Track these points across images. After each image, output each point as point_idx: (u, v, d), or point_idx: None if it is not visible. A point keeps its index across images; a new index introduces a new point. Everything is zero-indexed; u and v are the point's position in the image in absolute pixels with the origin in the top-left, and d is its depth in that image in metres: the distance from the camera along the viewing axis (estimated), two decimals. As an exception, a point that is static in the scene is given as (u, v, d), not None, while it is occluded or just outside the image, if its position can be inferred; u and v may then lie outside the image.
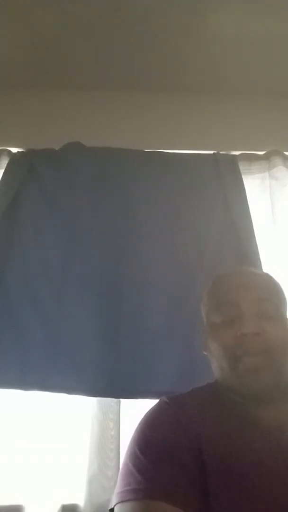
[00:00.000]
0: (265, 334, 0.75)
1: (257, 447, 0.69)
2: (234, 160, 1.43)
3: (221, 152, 1.45)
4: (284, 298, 0.86)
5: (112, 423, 1.16)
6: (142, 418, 0.78)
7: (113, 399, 1.17)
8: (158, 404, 0.81)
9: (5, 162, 1.40)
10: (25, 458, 1.13)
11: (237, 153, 1.46)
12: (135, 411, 1.10)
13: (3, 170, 1.39)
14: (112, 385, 1.14)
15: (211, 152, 1.45)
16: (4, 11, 1.29)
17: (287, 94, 1.57)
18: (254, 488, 0.64)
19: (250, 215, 1.32)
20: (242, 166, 1.42)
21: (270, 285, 0.85)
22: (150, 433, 0.73)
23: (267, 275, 0.89)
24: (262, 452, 0.69)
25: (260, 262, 1.24)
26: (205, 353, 0.87)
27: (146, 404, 0.84)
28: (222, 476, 0.66)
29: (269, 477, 0.66)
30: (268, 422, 0.73)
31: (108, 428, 1.15)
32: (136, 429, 0.76)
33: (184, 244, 1.29)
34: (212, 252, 1.28)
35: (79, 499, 1.10)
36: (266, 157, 1.45)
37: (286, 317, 0.83)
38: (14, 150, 1.44)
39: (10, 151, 1.43)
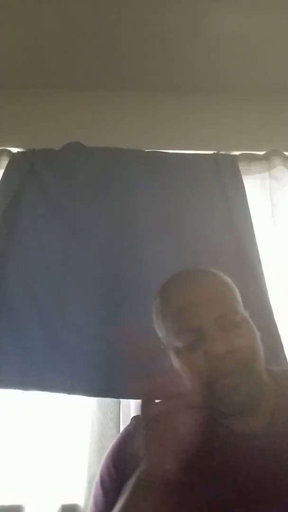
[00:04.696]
0: (236, 351, 0.70)
1: (221, 462, 0.69)
2: (234, 160, 1.43)
3: (221, 152, 1.45)
4: (238, 293, 0.80)
5: (112, 423, 1.16)
6: (110, 448, 0.81)
7: (113, 399, 1.17)
8: (125, 432, 0.81)
9: (5, 162, 1.40)
10: (25, 458, 1.14)
11: (237, 153, 1.46)
12: (135, 411, 1.10)
13: (3, 170, 1.39)
14: (112, 385, 1.14)
15: (211, 152, 1.44)
16: (4, 11, 1.29)
17: (287, 94, 1.57)
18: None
19: (250, 215, 1.32)
20: (242, 166, 1.42)
21: (226, 290, 0.77)
22: (109, 471, 0.76)
23: (217, 277, 0.80)
24: (232, 460, 0.68)
25: (260, 262, 1.24)
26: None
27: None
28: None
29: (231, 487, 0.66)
30: (237, 431, 0.72)
31: (108, 428, 1.15)
32: (105, 457, 0.80)
33: (184, 244, 1.29)
34: (212, 252, 1.28)
35: (79, 499, 1.10)
36: (266, 157, 1.44)
37: (247, 316, 0.76)
38: (14, 150, 1.44)
39: (10, 151, 1.43)
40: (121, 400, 1.18)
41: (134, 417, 0.84)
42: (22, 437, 1.16)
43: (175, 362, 0.76)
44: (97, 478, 0.80)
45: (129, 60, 1.45)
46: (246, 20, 1.33)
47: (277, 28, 1.35)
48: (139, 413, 0.81)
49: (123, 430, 0.83)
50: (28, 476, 1.12)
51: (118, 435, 0.83)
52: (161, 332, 0.81)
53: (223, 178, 1.38)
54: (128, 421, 0.85)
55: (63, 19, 1.32)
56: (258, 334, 0.75)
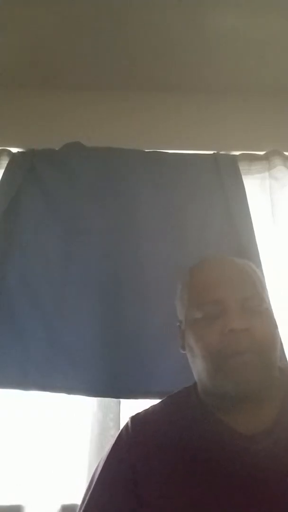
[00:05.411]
0: (254, 331, 0.70)
1: (225, 461, 0.68)
2: (234, 160, 1.43)
3: (221, 152, 1.45)
4: (266, 286, 0.81)
5: (112, 423, 1.16)
6: (107, 449, 0.81)
7: (113, 399, 1.17)
8: (120, 434, 0.81)
9: (5, 162, 1.40)
10: (25, 458, 1.14)
11: (237, 153, 1.46)
12: (135, 411, 1.10)
13: (3, 170, 1.39)
14: (112, 385, 1.14)
15: (211, 152, 1.44)
16: (4, 11, 1.29)
17: (287, 94, 1.57)
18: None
19: (250, 215, 1.32)
20: (242, 166, 1.42)
21: (254, 277, 0.78)
22: (101, 477, 0.76)
23: (248, 265, 0.81)
24: (230, 468, 0.67)
25: (260, 262, 1.24)
26: (183, 352, 0.82)
27: (146, 404, 0.84)
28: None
29: (234, 496, 0.65)
30: (240, 432, 0.70)
31: (108, 428, 1.15)
32: (101, 459, 0.80)
33: (184, 244, 1.29)
34: (212, 252, 1.28)
35: (79, 499, 1.09)
36: (266, 157, 1.44)
37: (271, 310, 0.78)
38: (14, 150, 1.44)
39: (10, 151, 1.43)
40: (121, 400, 1.18)
41: (130, 417, 0.83)
42: (22, 437, 1.16)
43: (189, 337, 0.76)
44: (89, 482, 0.79)
45: (129, 60, 1.45)
46: (246, 20, 1.33)
47: (277, 28, 1.35)
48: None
49: (117, 436, 0.82)
50: (28, 476, 1.12)
51: (112, 441, 0.82)
52: (182, 305, 0.81)
53: (223, 178, 1.38)
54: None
55: (63, 19, 1.32)
56: (277, 329, 0.75)
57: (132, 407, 1.15)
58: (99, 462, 0.80)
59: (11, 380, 1.15)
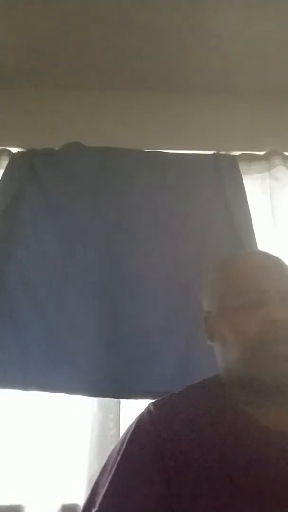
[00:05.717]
0: None
1: (254, 457, 0.65)
2: (234, 160, 1.43)
3: (221, 152, 1.45)
4: None
5: (112, 423, 1.16)
6: (125, 432, 0.75)
7: (113, 399, 1.17)
8: (141, 416, 0.75)
9: (5, 162, 1.40)
10: (25, 458, 1.14)
11: (237, 153, 1.46)
12: (135, 411, 1.10)
13: (3, 170, 1.39)
14: (112, 385, 1.14)
15: (211, 152, 1.44)
16: (4, 11, 1.29)
17: (287, 94, 1.57)
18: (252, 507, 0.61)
19: (250, 215, 1.32)
20: (242, 166, 1.42)
21: None
22: (125, 458, 0.69)
23: (282, 260, 0.82)
24: (258, 463, 0.64)
25: (260, 262, 1.24)
26: (211, 343, 0.80)
27: (146, 404, 0.84)
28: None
29: (269, 490, 0.62)
30: (271, 426, 0.68)
31: (108, 428, 1.15)
32: (118, 443, 0.74)
33: (184, 244, 1.29)
34: (212, 252, 1.28)
35: (79, 499, 1.10)
36: (266, 157, 1.44)
37: None
38: (14, 150, 1.44)
39: (10, 151, 1.43)
40: (121, 400, 1.18)
41: (151, 403, 0.78)
42: (22, 437, 1.16)
43: (223, 326, 0.75)
44: (108, 464, 0.72)
45: (129, 60, 1.45)
46: (246, 20, 1.33)
47: (277, 28, 1.35)
48: (138, 413, 0.79)
49: (139, 415, 0.77)
50: (28, 476, 1.12)
51: (135, 421, 0.76)
52: (214, 294, 0.80)
53: (223, 178, 1.38)
54: (128, 421, 0.83)
55: (63, 19, 1.32)
56: None
57: (132, 407, 1.15)
58: (115, 447, 0.74)
59: (11, 380, 1.15)
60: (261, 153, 1.46)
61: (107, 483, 0.68)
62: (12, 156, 1.41)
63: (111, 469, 0.70)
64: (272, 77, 1.52)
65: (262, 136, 1.51)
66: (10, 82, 1.52)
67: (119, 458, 0.70)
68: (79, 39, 1.38)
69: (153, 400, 0.78)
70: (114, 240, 1.29)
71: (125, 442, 0.71)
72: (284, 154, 1.44)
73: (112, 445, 1.11)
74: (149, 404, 0.77)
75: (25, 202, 1.35)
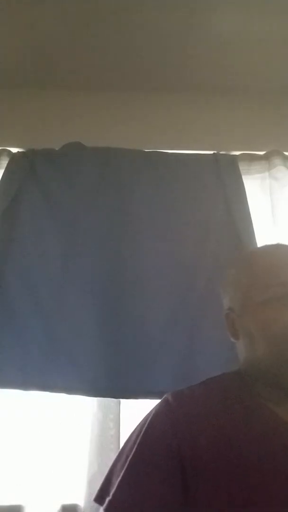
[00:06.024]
0: None
1: (273, 452, 0.64)
2: (234, 160, 1.43)
3: (221, 152, 1.45)
4: None
5: (112, 423, 1.16)
6: (141, 422, 0.74)
7: (113, 399, 1.17)
8: (159, 407, 0.74)
9: (5, 162, 1.40)
10: (25, 458, 1.14)
11: (237, 153, 1.46)
12: (135, 411, 1.10)
13: (3, 170, 1.39)
14: (112, 385, 1.14)
15: (211, 152, 1.44)
16: (4, 11, 1.29)
17: (287, 94, 1.57)
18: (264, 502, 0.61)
19: (250, 215, 1.32)
20: (242, 166, 1.42)
21: None
22: (141, 448, 0.69)
23: None
24: (277, 458, 0.64)
25: (260, 262, 1.24)
26: (234, 340, 0.79)
27: (146, 404, 0.84)
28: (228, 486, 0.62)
29: (281, 480, 0.62)
30: (286, 419, 0.68)
31: (108, 428, 1.15)
32: (135, 432, 0.73)
33: (184, 244, 1.29)
34: (212, 252, 1.28)
35: (79, 499, 1.10)
36: (266, 157, 1.44)
37: None
38: (14, 150, 1.44)
39: (10, 151, 1.43)
40: (121, 400, 1.18)
41: (169, 393, 0.77)
42: (22, 437, 1.16)
43: (248, 321, 0.74)
44: (125, 452, 0.71)
45: (129, 60, 1.45)
46: (246, 20, 1.33)
47: (277, 28, 1.35)
48: (139, 413, 0.79)
49: (157, 406, 0.76)
50: (28, 476, 1.12)
51: (153, 411, 0.75)
52: (237, 290, 0.79)
53: (223, 178, 1.38)
54: (128, 421, 0.83)
55: (64, 19, 1.32)
56: None
57: (132, 407, 1.15)
58: (131, 436, 0.74)
59: (11, 380, 1.15)
60: (261, 153, 1.46)
61: (122, 473, 0.67)
62: (12, 156, 1.41)
63: (126, 458, 0.69)
64: (272, 77, 1.52)
65: (262, 136, 1.51)
66: (10, 82, 1.52)
67: (135, 447, 0.69)
68: (79, 39, 1.38)
69: (155, 400, 0.78)
70: (114, 239, 1.29)
71: (142, 432, 0.71)
72: (284, 154, 1.44)
73: (112, 445, 1.12)
74: (167, 395, 0.76)
75: (25, 202, 1.35)
